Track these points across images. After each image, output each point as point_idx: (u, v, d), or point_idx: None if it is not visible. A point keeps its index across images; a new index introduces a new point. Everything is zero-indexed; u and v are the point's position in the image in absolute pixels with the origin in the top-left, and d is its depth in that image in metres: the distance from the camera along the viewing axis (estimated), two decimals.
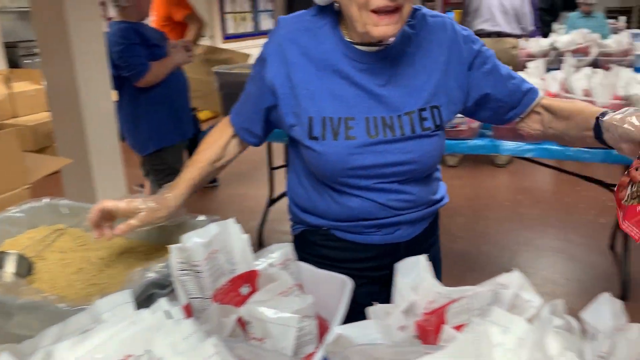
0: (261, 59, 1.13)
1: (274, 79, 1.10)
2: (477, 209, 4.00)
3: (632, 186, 0.90)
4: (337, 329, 0.69)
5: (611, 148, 0.99)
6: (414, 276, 0.88)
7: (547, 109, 1.16)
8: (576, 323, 0.85)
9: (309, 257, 1.26)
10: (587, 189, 4.04)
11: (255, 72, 1.15)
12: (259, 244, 3.34)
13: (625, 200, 0.85)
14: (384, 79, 1.09)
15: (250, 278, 0.86)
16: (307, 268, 1.03)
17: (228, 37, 8.75)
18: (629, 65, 3.74)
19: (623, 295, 2.75)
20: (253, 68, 1.17)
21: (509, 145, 2.58)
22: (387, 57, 1.09)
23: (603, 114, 0.99)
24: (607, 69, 2.51)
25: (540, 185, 4.47)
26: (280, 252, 0.96)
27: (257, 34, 9.42)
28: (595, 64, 3.36)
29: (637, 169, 0.89)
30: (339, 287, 0.97)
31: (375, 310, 0.80)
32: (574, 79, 2.43)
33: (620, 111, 0.95)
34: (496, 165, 4.86)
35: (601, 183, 3.00)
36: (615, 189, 0.90)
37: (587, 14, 5.14)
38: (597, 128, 1.00)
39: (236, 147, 1.25)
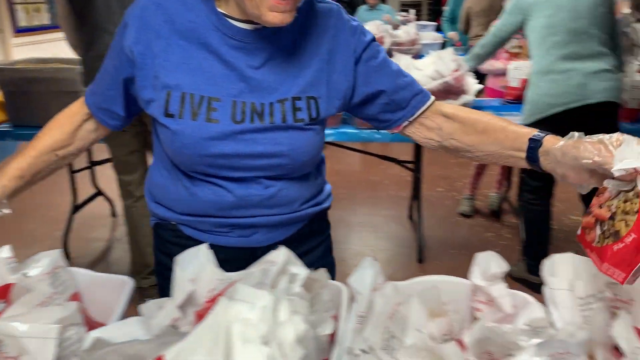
0: (123, 25, 0.99)
1: (133, 46, 0.97)
2: None
3: (601, 225, 0.79)
4: (94, 333, 0.66)
5: (543, 171, 0.91)
6: (193, 267, 0.88)
7: (451, 117, 1.04)
8: (345, 288, 0.93)
9: (161, 256, 1.16)
10: (389, 167, 4.43)
11: (115, 41, 1.01)
12: (66, 255, 3.07)
13: (597, 242, 0.75)
14: (259, 60, 0.98)
15: (3, 293, 0.78)
16: (83, 273, 0.97)
17: (20, 31, 7.81)
18: (417, 54, 4.19)
19: (420, 257, 3.09)
20: (114, 38, 1.02)
21: None
22: (266, 38, 0.98)
23: (537, 136, 0.92)
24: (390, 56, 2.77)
25: (350, 167, 4.79)
26: (48, 260, 0.88)
27: (54, 27, 8.56)
28: (389, 53, 3.70)
29: (600, 207, 0.80)
30: (118, 288, 0.93)
31: (147, 306, 0.78)
32: None
33: (566, 137, 0.86)
34: None
35: (395, 160, 3.32)
36: (580, 232, 0.82)
37: (373, 7, 5.62)
38: (532, 151, 0.91)
39: (91, 133, 1.10)
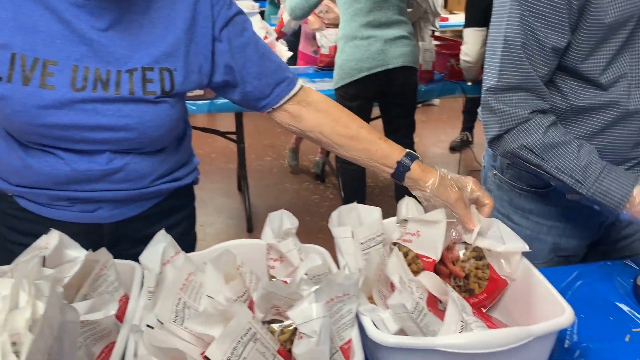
0: None
1: None
2: None
3: (454, 280, 0.94)
4: None
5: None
6: None
7: (322, 111, 1.03)
8: (138, 266, 0.88)
9: (3, 229, 1.03)
10: (216, 140, 4.37)
11: None
12: None
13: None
14: (106, 22, 0.88)
15: None
16: None
17: None
18: None
19: (249, 227, 3.12)
20: None
21: None
22: None
23: (404, 162, 0.96)
24: None
25: None
26: None
27: None
28: None
29: (454, 263, 0.93)
30: None
31: None
32: None
33: (433, 175, 0.94)
34: None
35: (217, 132, 3.27)
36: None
37: None
38: (398, 173, 0.97)
39: None
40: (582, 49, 0.99)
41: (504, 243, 0.90)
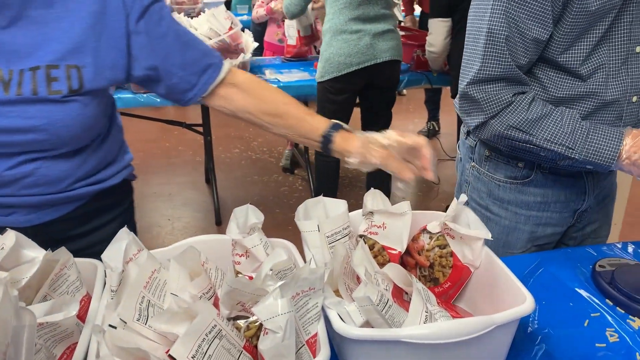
0: None
1: None
2: None
3: (420, 270, 0.95)
4: None
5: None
6: None
7: (247, 92, 1.02)
8: (101, 265, 0.87)
9: None
10: (184, 133, 4.30)
11: None
12: None
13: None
14: (6, 18, 0.83)
15: None
16: None
17: None
18: (200, 11, 4.06)
19: (218, 220, 3.10)
20: None
21: None
22: None
23: (327, 135, 0.97)
24: None
25: (140, 136, 4.54)
26: None
27: None
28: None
29: (419, 253, 0.95)
30: None
31: None
32: None
33: (355, 135, 0.95)
34: None
35: (183, 124, 3.22)
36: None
37: None
38: (324, 145, 0.98)
39: None
40: (563, 40, 1.01)
41: (469, 229, 0.91)
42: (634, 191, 2.19)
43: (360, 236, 0.95)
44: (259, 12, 3.59)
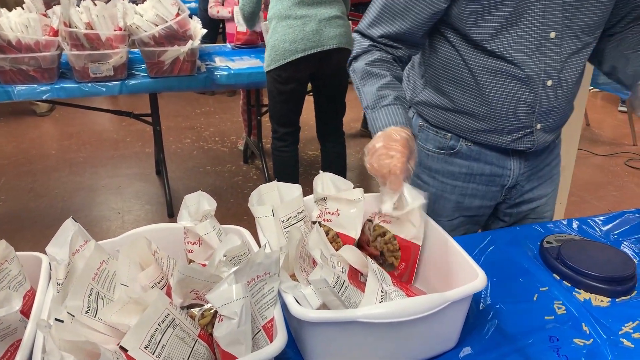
0: None
1: None
2: (21, 164, 3.65)
3: (375, 259, 0.93)
4: None
5: None
6: None
7: None
8: (45, 258, 0.83)
9: None
10: (132, 123, 4.20)
11: None
12: None
13: None
14: None
15: None
16: None
17: None
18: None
19: (170, 212, 3.03)
20: None
21: (21, 89, 2.37)
22: None
23: None
24: (107, 1, 2.53)
25: (87, 127, 4.38)
26: None
27: None
28: None
29: (368, 245, 0.97)
30: None
31: None
32: (73, 12, 2.36)
33: None
34: (38, 115, 4.52)
35: (130, 114, 3.13)
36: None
37: None
38: None
39: None
40: (467, 15, 1.04)
41: (407, 204, 0.91)
42: (577, 171, 2.28)
43: (314, 222, 0.94)
44: (220, 11, 3.51)
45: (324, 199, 0.94)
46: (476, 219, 1.32)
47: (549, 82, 1.10)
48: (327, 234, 0.92)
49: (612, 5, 1.09)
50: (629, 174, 3.66)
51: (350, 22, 2.67)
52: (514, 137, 1.15)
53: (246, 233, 0.89)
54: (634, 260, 1.05)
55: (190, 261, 0.87)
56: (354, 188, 0.96)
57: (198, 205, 0.88)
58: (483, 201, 1.28)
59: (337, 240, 0.92)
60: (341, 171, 2.84)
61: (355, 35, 1.18)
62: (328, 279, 0.71)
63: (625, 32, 1.17)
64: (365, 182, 3.48)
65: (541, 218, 1.35)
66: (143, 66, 2.66)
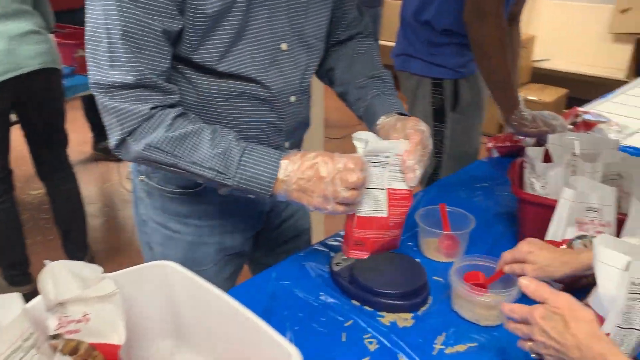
0: None
1: None
2: None
3: None
4: None
5: None
6: None
7: None
8: None
9: None
10: None
11: None
12: None
13: None
14: None
15: None
16: None
17: None
18: None
19: None
20: None
21: None
22: None
23: None
24: None
25: None
26: None
27: None
28: None
29: None
30: None
31: None
32: None
33: None
34: None
35: None
36: None
37: None
38: None
39: None
40: (192, 36, 0.86)
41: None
42: None
43: (53, 337, 0.66)
44: None
45: (62, 304, 0.66)
46: (241, 254, 1.18)
47: (292, 98, 1.01)
48: (76, 351, 0.65)
49: (332, 5, 1.03)
50: None
51: (52, 35, 2.23)
52: None
53: None
54: (422, 266, 1.03)
55: None
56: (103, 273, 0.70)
57: None
58: (245, 233, 1.15)
59: (92, 354, 0.66)
60: (77, 210, 2.41)
61: (102, 100, 0.86)
62: None
63: (348, 47, 1.14)
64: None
65: (301, 232, 1.28)
66: None
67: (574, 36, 4.28)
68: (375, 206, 0.95)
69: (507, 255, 0.95)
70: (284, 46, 0.95)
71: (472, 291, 0.89)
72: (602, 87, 3.53)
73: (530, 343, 0.73)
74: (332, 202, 0.87)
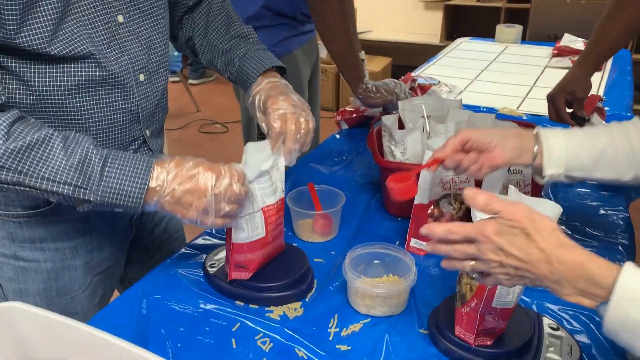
0: None
1: None
2: None
3: None
4: None
5: None
6: None
7: None
8: None
9: None
10: None
11: None
12: None
13: None
14: None
15: None
16: None
17: None
18: None
19: None
20: None
21: None
22: None
23: None
24: None
25: None
26: None
27: None
28: None
29: None
30: None
31: None
32: None
33: None
34: None
35: None
36: None
37: None
38: None
39: None
40: (8, 13, 0.70)
41: None
42: None
43: None
44: None
45: None
46: (112, 270, 1.04)
47: (142, 77, 0.90)
48: None
49: None
50: (208, 139, 3.80)
51: None
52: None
53: None
54: (301, 250, 0.99)
55: None
56: None
57: None
58: (114, 245, 1.01)
59: None
60: None
61: None
62: None
63: (201, 11, 1.05)
64: None
65: (174, 235, 1.17)
66: None
67: (390, 7, 4.55)
68: (253, 230, 0.87)
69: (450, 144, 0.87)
70: (120, 18, 0.83)
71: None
72: (421, 52, 3.82)
73: (472, 263, 0.64)
74: (213, 216, 0.78)
